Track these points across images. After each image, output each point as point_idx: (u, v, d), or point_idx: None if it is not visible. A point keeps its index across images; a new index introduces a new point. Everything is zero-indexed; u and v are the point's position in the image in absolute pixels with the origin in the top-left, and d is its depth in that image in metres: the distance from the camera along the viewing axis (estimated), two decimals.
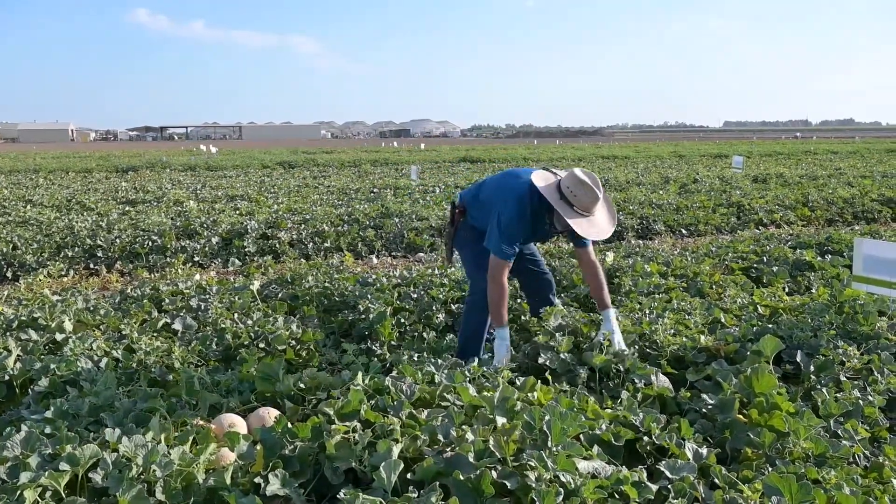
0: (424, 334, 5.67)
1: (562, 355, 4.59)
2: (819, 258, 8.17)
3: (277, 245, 10.89)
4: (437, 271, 7.64)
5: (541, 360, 4.59)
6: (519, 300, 6.15)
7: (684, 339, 5.05)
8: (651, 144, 63.39)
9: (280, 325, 5.56)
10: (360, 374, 4.06)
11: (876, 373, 4.41)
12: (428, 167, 31.42)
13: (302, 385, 4.21)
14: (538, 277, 5.59)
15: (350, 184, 20.87)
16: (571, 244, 5.74)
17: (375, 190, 19.05)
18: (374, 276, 7.39)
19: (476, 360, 4.74)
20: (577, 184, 4.79)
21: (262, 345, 5.27)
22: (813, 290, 6.82)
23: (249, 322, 5.70)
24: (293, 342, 5.32)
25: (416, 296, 6.59)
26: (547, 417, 3.38)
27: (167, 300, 6.70)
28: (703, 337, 5.06)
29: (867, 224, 13.66)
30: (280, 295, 7.00)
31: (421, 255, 10.88)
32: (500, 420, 3.49)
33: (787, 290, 7.10)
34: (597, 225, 4.83)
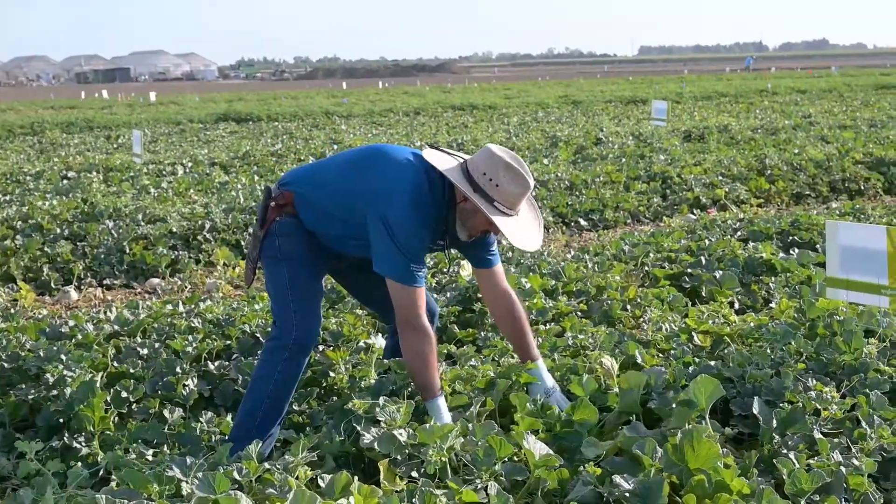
0: (165, 413, 4.08)
1: (397, 433, 3.22)
2: (782, 255, 6.79)
3: None
4: (182, 307, 5.80)
5: (364, 443, 3.21)
6: (327, 344, 4.73)
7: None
8: (529, 85, 50.48)
9: None
10: (50, 492, 2.86)
11: (863, 423, 3.59)
12: (163, 132, 22.62)
13: None
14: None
15: (24, 164, 14.72)
16: (462, 266, 4.43)
17: (71, 174, 13.51)
18: (72, 323, 5.49)
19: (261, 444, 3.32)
20: (499, 167, 3.62)
21: None
22: (773, 304, 5.52)
23: None
24: None
25: (146, 351, 4.86)
26: None
27: None
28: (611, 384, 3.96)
29: (850, 199, 11.09)
30: None
31: (155, 281, 7.79)
32: None
33: (736, 305, 5.91)
34: (526, 229, 3.76)
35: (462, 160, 3.76)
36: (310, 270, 3.89)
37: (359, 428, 3.31)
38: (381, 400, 3.47)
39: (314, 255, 3.90)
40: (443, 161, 3.76)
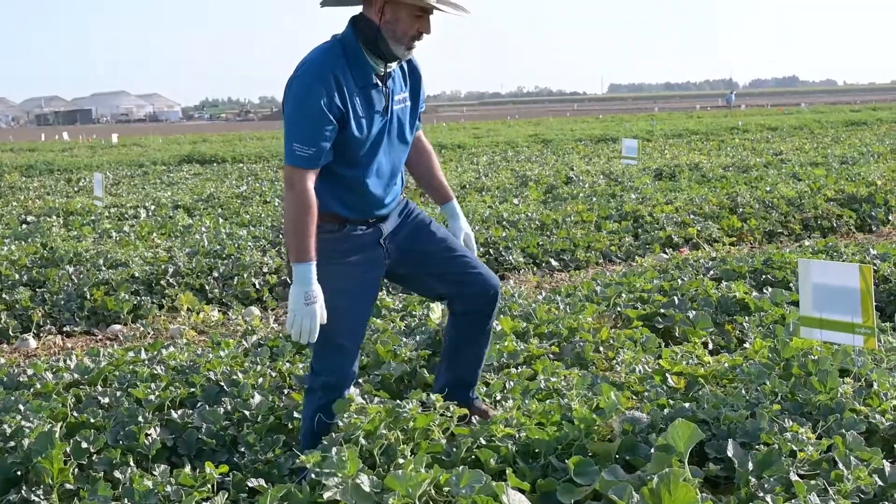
0: (130, 465, 3.92)
1: (360, 481, 3.09)
2: (755, 294, 6.64)
3: None
4: (145, 354, 5.57)
5: (327, 496, 3.06)
6: (292, 388, 4.55)
7: (556, 433, 3.75)
8: (498, 124, 49.21)
9: None
10: None
11: (840, 464, 3.52)
12: (125, 175, 21.77)
13: None
14: (467, 271, 4.09)
15: None
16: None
17: (31, 218, 13.22)
18: (30, 372, 5.30)
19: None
20: None
21: None
22: (748, 344, 5.38)
23: None
24: None
25: (107, 400, 4.69)
26: None
27: None
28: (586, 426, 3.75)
29: (822, 236, 10.93)
30: None
31: (117, 327, 7.51)
32: None
33: (710, 346, 5.76)
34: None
35: None
36: (342, 303, 3.69)
37: (322, 480, 3.15)
38: (334, 450, 3.26)
39: (347, 280, 3.75)
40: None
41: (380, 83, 3.68)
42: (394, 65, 3.70)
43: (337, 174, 3.67)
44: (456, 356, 4.17)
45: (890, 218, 11.78)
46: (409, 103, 3.84)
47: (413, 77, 3.89)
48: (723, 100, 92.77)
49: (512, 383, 4.61)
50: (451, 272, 4.00)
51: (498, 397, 4.44)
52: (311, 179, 3.54)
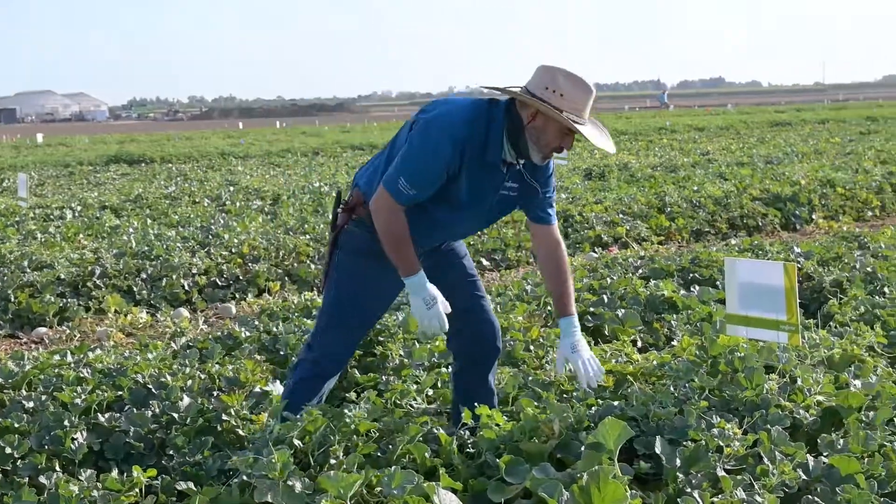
0: (56, 470, 3.84)
1: (292, 482, 3.06)
2: (683, 292, 6.72)
3: None
4: (71, 357, 5.42)
5: (258, 498, 3.02)
6: (221, 390, 4.50)
7: (486, 433, 3.72)
8: None
9: None
10: None
11: (766, 459, 3.52)
12: (51, 175, 21.54)
13: None
14: (476, 313, 4.11)
15: None
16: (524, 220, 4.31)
17: None
18: None
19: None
20: (558, 76, 3.58)
21: None
22: (675, 342, 5.42)
23: None
24: None
25: (32, 404, 4.55)
26: None
27: None
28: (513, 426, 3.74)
29: (748, 235, 11.01)
30: None
31: (42, 330, 7.31)
32: None
33: (638, 343, 5.79)
34: (599, 135, 3.75)
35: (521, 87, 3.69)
36: (362, 295, 3.83)
37: (252, 481, 3.11)
38: (265, 452, 3.26)
39: (374, 278, 3.83)
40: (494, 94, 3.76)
41: (504, 169, 3.73)
42: (523, 161, 3.74)
43: (423, 211, 3.73)
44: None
45: (813, 217, 12.02)
46: (515, 194, 3.85)
47: (538, 174, 3.88)
48: (654, 100, 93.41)
49: (442, 382, 4.61)
50: (457, 304, 3.97)
51: (430, 393, 4.43)
52: (403, 210, 3.63)
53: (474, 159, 3.63)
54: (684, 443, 3.67)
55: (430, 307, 3.67)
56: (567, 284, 4.00)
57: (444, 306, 3.70)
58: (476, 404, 3.85)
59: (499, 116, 3.65)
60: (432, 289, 3.69)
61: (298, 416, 3.55)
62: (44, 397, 4.62)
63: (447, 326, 3.72)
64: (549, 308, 6.39)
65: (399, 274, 3.68)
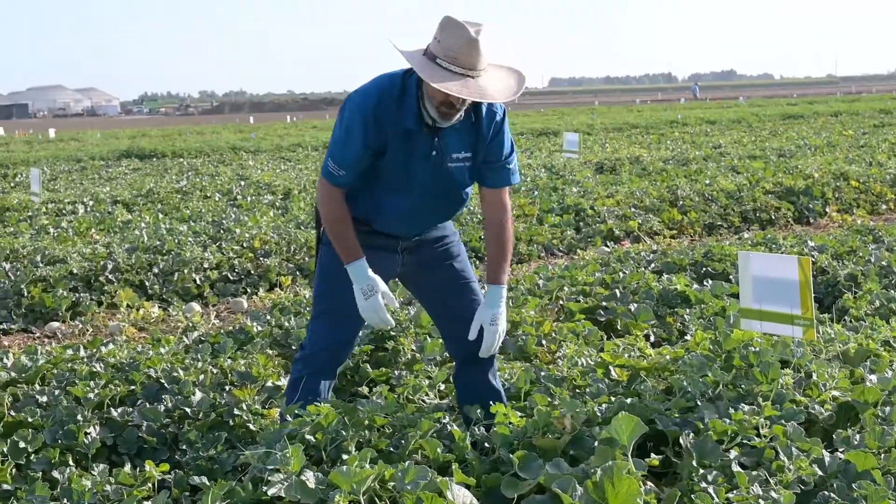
0: (70, 464, 3.78)
1: (306, 478, 3.05)
2: (696, 286, 6.65)
3: None
4: (84, 352, 5.44)
5: (271, 492, 3.02)
6: (234, 384, 4.53)
7: (500, 429, 3.68)
8: None
9: None
10: None
11: (781, 454, 3.47)
12: (63, 170, 21.37)
13: None
14: (468, 319, 3.89)
15: None
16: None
17: None
18: None
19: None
20: (443, 25, 3.47)
21: None
22: (689, 336, 5.36)
23: None
24: None
25: (45, 399, 4.64)
26: None
27: None
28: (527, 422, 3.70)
29: (761, 228, 10.86)
30: None
31: (55, 324, 7.35)
32: None
33: (651, 338, 5.74)
34: (486, 87, 3.47)
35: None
36: (343, 286, 3.71)
37: (266, 476, 3.11)
38: (278, 447, 3.25)
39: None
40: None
41: (428, 132, 3.65)
42: (451, 123, 3.64)
43: (376, 196, 3.73)
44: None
45: (827, 210, 11.92)
46: (468, 163, 3.77)
47: (484, 139, 3.78)
48: (688, 92, 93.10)
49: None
50: (449, 307, 3.98)
51: (442, 388, 4.42)
52: (339, 193, 3.67)
53: (394, 128, 3.59)
54: (699, 438, 3.64)
55: (367, 297, 3.63)
56: (504, 252, 3.88)
57: (386, 298, 3.65)
58: (480, 404, 3.85)
59: (411, 82, 3.60)
60: (374, 279, 3.65)
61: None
62: (57, 392, 4.64)
63: (390, 321, 3.70)
64: (560, 302, 6.36)
65: (345, 260, 3.67)
